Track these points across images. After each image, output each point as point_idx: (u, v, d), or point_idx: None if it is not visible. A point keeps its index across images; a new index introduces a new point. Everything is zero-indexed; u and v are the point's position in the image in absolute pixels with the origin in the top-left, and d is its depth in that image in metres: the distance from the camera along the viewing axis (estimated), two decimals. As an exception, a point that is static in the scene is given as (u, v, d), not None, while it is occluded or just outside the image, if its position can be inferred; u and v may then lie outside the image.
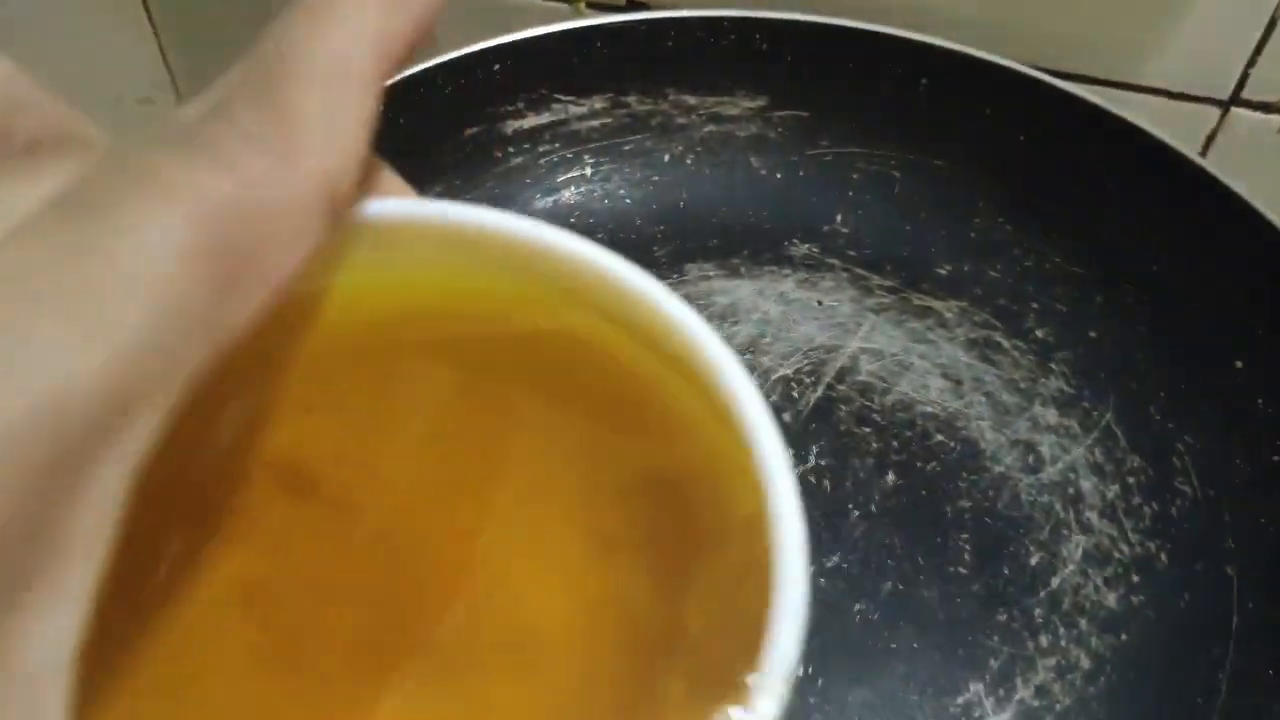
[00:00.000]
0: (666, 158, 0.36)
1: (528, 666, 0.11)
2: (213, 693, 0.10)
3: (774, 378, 0.30)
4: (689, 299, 0.36)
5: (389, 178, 0.13)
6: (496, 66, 0.33)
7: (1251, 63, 0.34)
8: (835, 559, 0.27)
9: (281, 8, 0.11)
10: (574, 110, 0.35)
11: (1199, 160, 0.29)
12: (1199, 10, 0.33)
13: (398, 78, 0.31)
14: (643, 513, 0.12)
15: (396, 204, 0.12)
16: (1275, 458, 0.27)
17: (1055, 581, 0.27)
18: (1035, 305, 0.32)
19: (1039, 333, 0.32)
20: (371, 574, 0.11)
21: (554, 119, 0.34)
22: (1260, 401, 0.28)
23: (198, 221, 0.09)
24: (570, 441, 0.13)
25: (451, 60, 0.32)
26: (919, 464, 0.29)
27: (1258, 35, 0.34)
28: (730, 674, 0.11)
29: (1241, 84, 0.35)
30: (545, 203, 0.35)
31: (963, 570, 0.27)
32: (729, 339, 0.32)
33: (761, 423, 0.12)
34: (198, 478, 0.11)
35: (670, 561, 0.12)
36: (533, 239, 0.12)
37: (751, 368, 0.31)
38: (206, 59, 0.44)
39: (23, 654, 0.08)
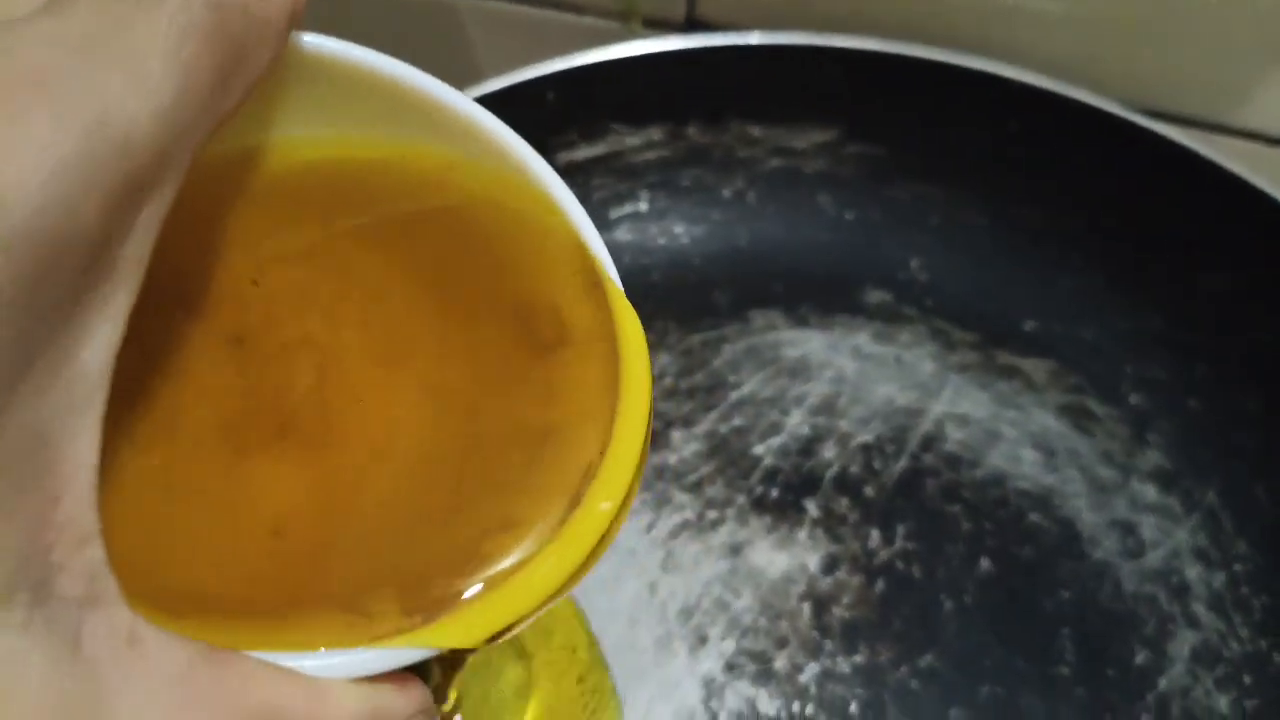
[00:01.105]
0: (727, 193, 0.33)
1: (370, 454, 0.13)
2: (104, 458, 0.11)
3: (853, 444, 0.28)
4: (754, 350, 0.33)
5: None
6: (551, 95, 0.30)
7: (1361, 109, 0.32)
8: (929, 658, 0.24)
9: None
10: (630, 141, 0.32)
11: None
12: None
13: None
14: (489, 330, 0.14)
15: (324, 40, 0.13)
16: (1403, 554, 0.25)
17: (1163, 683, 0.25)
18: (1129, 370, 0.30)
19: (1134, 400, 0.30)
20: (243, 374, 0.13)
21: (609, 150, 0.32)
22: (1384, 490, 0.26)
23: (208, 6, 0.10)
24: (427, 271, 0.14)
25: (501, 90, 0.29)
26: (1014, 549, 0.26)
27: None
28: (577, 460, 0.13)
29: (1346, 131, 0.33)
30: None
31: (1065, 671, 0.24)
32: (800, 399, 0.30)
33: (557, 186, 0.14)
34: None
35: (511, 369, 0.14)
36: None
37: (829, 431, 0.28)
38: None
39: (80, 352, 0.10)
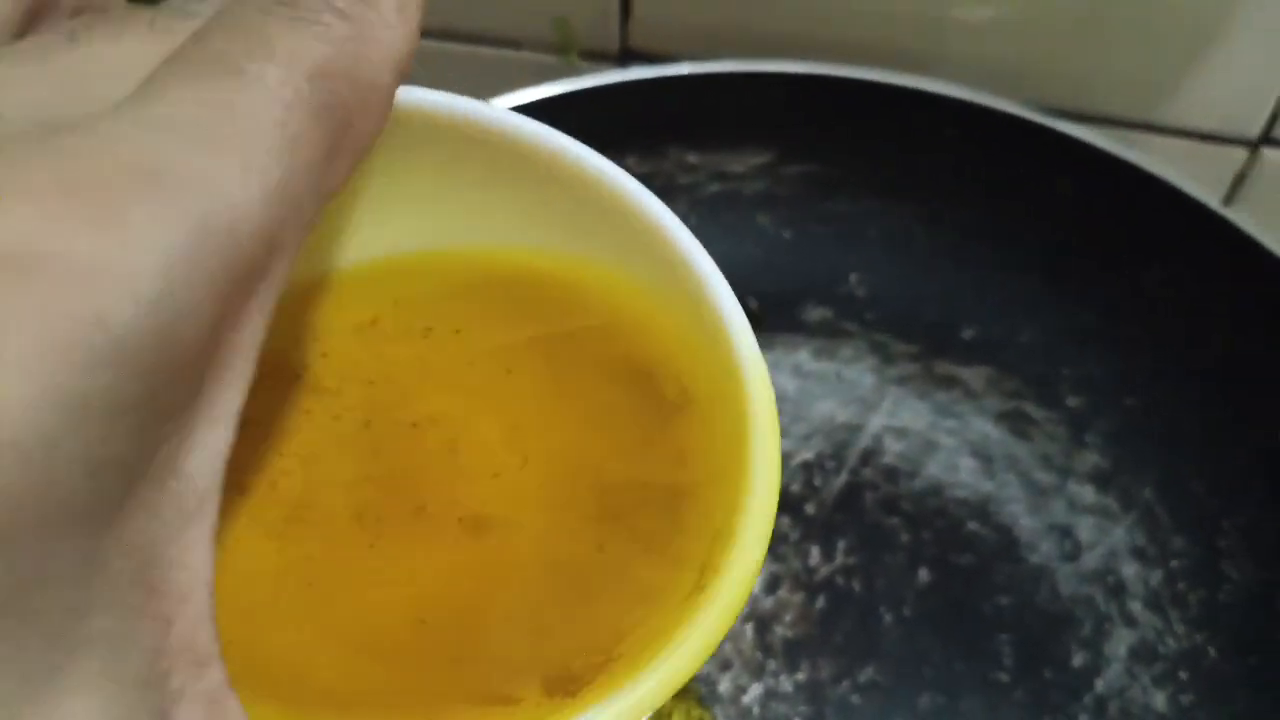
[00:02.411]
0: (670, 219, 0.34)
1: (507, 530, 0.13)
2: (239, 555, 0.11)
3: (794, 463, 0.29)
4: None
5: None
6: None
7: (1286, 101, 0.32)
8: (869, 671, 0.25)
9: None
10: (570, 175, 0.33)
11: (1249, 230, 0.27)
12: (1224, 48, 0.32)
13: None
14: (612, 395, 0.14)
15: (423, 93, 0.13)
16: (1330, 543, 0.26)
17: (1100, 684, 0.25)
18: (1067, 372, 0.31)
19: (1072, 402, 0.30)
20: (361, 457, 0.13)
21: (550, 186, 0.33)
22: (1312, 480, 0.26)
23: (310, 78, 0.10)
24: (543, 344, 0.14)
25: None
26: (952, 557, 0.27)
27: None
28: (708, 525, 0.12)
29: (1272, 122, 0.33)
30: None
31: (1003, 676, 0.25)
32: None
33: (731, 310, 0.13)
34: None
35: (638, 432, 0.14)
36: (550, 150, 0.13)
37: (770, 452, 0.29)
38: None
39: (189, 461, 0.09)
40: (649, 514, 0.13)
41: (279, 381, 0.11)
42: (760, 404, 0.13)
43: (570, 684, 0.12)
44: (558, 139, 0.13)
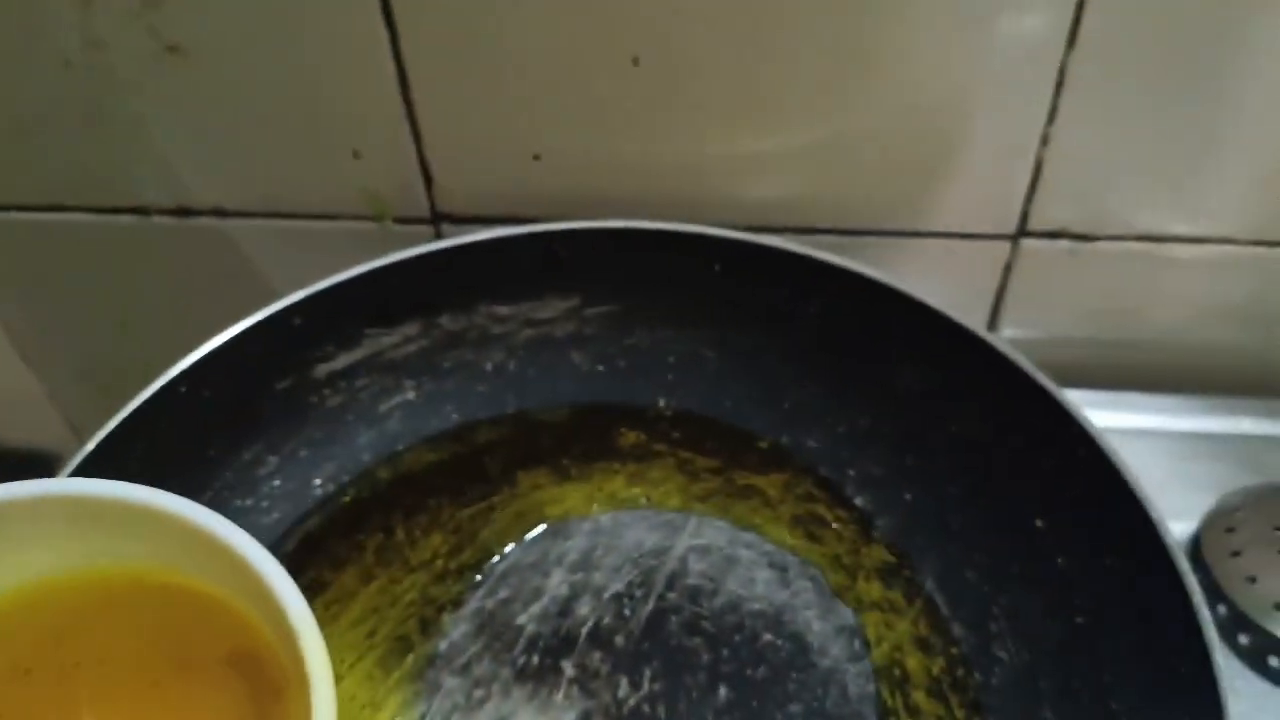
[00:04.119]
0: (489, 366, 0.36)
1: None
2: None
3: (606, 596, 0.31)
4: (521, 515, 0.36)
5: None
6: (298, 320, 0.33)
7: (1029, 199, 0.35)
8: (671, 794, 0.27)
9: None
10: (386, 340, 0.35)
11: (977, 331, 0.30)
12: (970, 160, 0.35)
13: (202, 351, 0.32)
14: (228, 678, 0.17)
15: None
16: (1078, 619, 0.28)
17: (888, 777, 0.27)
18: (852, 472, 0.33)
19: (859, 500, 0.33)
20: None
21: (367, 353, 0.35)
22: (1060, 561, 0.29)
23: None
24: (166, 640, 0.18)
25: (251, 326, 0.32)
26: (749, 670, 0.29)
27: (1029, 175, 0.35)
28: None
29: (1025, 219, 0.36)
30: (370, 434, 0.35)
31: (796, 783, 0.27)
32: (560, 558, 0.32)
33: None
34: None
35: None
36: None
37: (585, 587, 0.31)
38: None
39: None
40: None
41: None
42: (319, 683, 0.16)
43: None
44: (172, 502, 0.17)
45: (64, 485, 0.18)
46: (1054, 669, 0.28)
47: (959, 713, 0.28)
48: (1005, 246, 0.37)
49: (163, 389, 0.31)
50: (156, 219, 0.39)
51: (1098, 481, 0.28)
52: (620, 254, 0.35)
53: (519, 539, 0.33)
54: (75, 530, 0.17)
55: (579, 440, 0.35)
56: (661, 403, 0.35)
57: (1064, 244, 0.36)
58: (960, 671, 0.29)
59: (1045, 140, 0.34)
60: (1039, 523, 0.30)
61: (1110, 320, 0.38)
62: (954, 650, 0.29)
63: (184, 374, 0.31)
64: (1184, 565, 0.25)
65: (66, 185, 0.39)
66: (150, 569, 0.18)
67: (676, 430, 0.35)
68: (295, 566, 0.32)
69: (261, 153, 0.37)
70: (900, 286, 0.31)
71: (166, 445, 0.31)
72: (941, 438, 0.32)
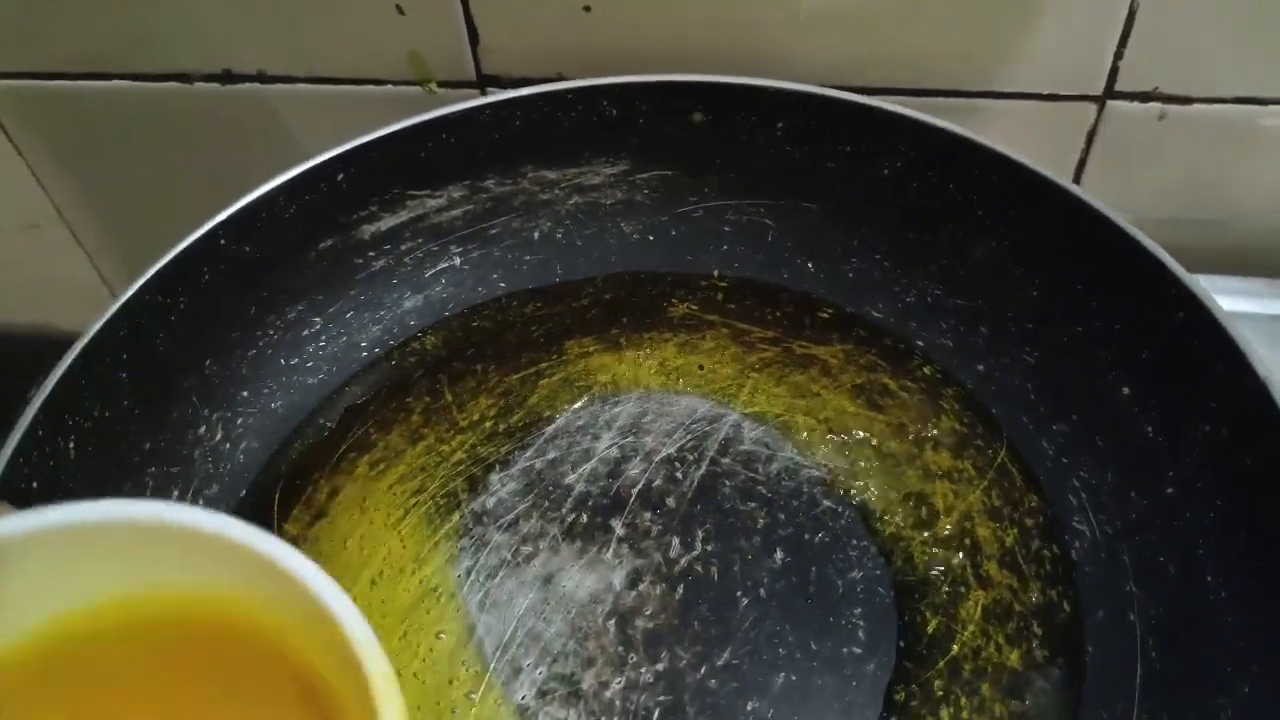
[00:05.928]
0: (536, 235, 0.35)
1: None
2: None
3: (657, 459, 0.30)
4: (570, 380, 0.34)
5: None
6: (340, 176, 0.32)
7: (1119, 55, 0.33)
8: (725, 656, 0.26)
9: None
10: (431, 203, 0.34)
11: (1065, 184, 0.28)
12: (1056, 10, 0.32)
13: (242, 203, 0.30)
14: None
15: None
16: (1169, 490, 0.26)
17: (955, 648, 0.26)
18: (920, 342, 0.31)
19: (926, 370, 0.31)
20: None
21: (412, 215, 0.34)
22: (1149, 430, 0.27)
23: None
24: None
25: (291, 180, 0.31)
26: (807, 536, 0.28)
27: (1120, 26, 0.32)
28: None
29: (1114, 76, 0.33)
30: (416, 300, 0.34)
31: (856, 650, 0.26)
32: (610, 422, 0.31)
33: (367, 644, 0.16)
34: None
35: None
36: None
37: (635, 450, 0.30)
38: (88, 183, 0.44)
39: None
40: None
41: None
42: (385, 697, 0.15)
43: None
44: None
45: (113, 508, 0.16)
46: (1140, 543, 0.26)
47: (1034, 584, 0.27)
48: (1090, 110, 0.34)
49: (201, 238, 0.30)
50: (198, 85, 0.38)
51: (1199, 344, 0.26)
52: (670, 112, 0.33)
53: (568, 404, 0.31)
54: (129, 554, 0.16)
55: (628, 311, 0.33)
56: (716, 273, 0.34)
57: (1154, 107, 0.33)
58: (1036, 544, 0.27)
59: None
60: (1125, 390, 0.28)
61: (1198, 197, 0.36)
62: (1029, 522, 0.28)
63: (223, 224, 0.30)
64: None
65: (107, 52, 0.38)
66: (197, 598, 0.17)
67: (731, 301, 0.33)
68: (341, 427, 0.31)
69: (305, 7, 0.35)
70: (979, 139, 0.29)
71: (208, 298, 0.30)
72: (1020, 305, 0.30)
